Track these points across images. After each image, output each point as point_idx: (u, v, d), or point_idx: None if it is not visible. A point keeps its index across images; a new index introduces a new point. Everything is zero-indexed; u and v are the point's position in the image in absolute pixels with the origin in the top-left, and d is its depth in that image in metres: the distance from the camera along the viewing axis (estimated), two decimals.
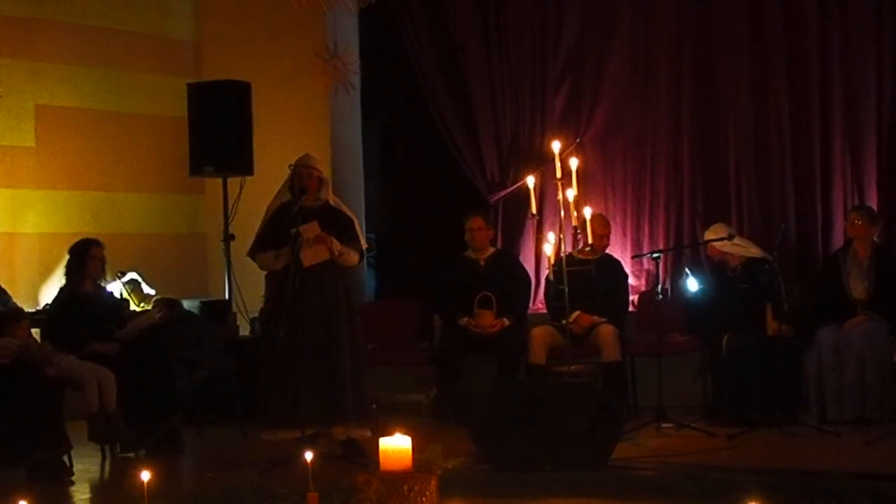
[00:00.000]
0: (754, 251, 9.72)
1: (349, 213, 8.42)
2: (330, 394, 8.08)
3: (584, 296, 9.64)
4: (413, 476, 5.71)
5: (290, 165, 8.31)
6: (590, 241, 9.05)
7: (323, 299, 8.19)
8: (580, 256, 9.77)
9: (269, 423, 8.13)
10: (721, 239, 9.63)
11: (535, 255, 11.15)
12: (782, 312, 9.22)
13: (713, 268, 10.07)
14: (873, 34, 10.56)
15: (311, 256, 8.06)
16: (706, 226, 10.32)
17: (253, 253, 8.36)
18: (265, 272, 8.41)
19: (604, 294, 9.99)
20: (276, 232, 8.19)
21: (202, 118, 10.71)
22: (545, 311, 10.53)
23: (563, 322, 9.24)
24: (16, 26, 10.86)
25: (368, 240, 8.85)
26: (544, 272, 10.80)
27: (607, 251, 10.37)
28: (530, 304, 10.73)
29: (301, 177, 8.24)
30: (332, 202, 8.36)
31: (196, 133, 10.74)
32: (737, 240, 9.69)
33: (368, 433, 8.09)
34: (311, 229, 8.07)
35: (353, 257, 8.34)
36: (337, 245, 8.14)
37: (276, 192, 8.40)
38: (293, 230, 8.00)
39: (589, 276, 9.59)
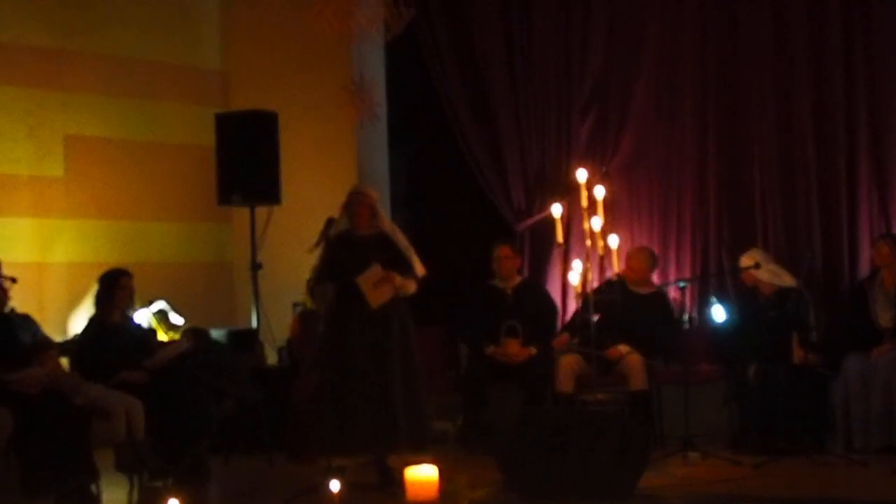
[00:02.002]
0: (787, 280, 9.67)
1: (404, 241, 8.49)
2: (384, 420, 8.09)
3: (628, 332, 9.82)
4: None
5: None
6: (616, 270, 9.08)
7: (381, 325, 8.25)
8: (633, 289, 9.97)
9: (324, 449, 8.10)
10: (753, 266, 9.59)
11: (561, 285, 11.15)
12: (809, 341, 9.20)
13: (741, 295, 10.04)
14: None
15: (377, 298, 8.19)
16: (733, 254, 10.32)
17: (313, 287, 8.46)
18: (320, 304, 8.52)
19: (650, 330, 9.98)
20: (334, 263, 8.27)
21: (230, 147, 10.75)
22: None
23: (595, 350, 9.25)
24: (45, 57, 10.93)
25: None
26: (570, 301, 10.81)
27: (655, 286, 10.31)
28: (557, 333, 10.72)
29: (353, 204, 8.32)
30: (387, 229, 8.42)
31: (224, 162, 10.78)
32: (772, 266, 9.66)
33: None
34: (375, 274, 8.17)
35: (412, 286, 8.41)
36: (399, 280, 8.24)
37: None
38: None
39: (637, 312, 9.72)
